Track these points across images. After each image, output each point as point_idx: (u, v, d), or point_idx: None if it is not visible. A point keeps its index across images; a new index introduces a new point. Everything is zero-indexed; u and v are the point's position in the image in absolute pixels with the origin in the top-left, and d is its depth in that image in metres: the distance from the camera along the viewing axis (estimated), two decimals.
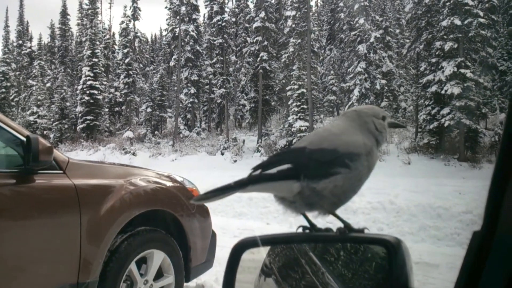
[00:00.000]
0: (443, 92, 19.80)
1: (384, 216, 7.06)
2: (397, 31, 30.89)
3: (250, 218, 7.80)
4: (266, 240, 0.95)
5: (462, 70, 19.48)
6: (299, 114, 24.49)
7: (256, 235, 1.03)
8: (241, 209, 8.27)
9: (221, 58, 32.09)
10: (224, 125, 31.83)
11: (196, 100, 32.38)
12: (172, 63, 33.75)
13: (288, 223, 7.36)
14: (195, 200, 0.85)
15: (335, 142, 0.80)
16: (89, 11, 39.68)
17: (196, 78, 31.92)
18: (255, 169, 0.81)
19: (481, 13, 20.18)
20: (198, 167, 22.54)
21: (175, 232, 3.20)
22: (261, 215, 7.88)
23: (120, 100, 34.92)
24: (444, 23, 20.43)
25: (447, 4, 20.58)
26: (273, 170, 0.78)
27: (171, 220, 3.18)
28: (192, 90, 31.69)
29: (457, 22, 20.00)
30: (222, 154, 26.32)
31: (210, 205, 8.84)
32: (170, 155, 27.71)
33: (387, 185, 11.65)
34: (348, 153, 0.79)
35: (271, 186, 0.80)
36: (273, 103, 30.97)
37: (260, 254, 0.97)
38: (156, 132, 33.92)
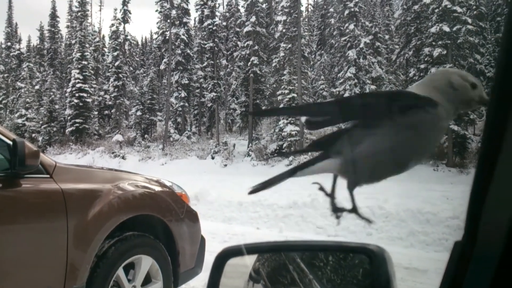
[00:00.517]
0: None
1: (373, 221, 7.08)
2: (387, 37, 31.16)
3: (239, 223, 7.77)
4: (250, 249, 0.94)
5: None
6: (289, 119, 24.55)
7: (246, 240, 1.03)
8: (230, 214, 8.24)
9: (212, 62, 32.08)
10: (214, 129, 31.78)
11: (186, 104, 32.30)
12: (162, 67, 33.68)
13: (278, 227, 7.36)
14: (249, 193, 0.82)
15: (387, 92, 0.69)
16: (79, 14, 39.51)
17: (187, 82, 31.86)
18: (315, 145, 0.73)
19: (469, 20, 20.46)
20: (188, 171, 22.45)
21: (163, 237, 3.17)
22: (251, 220, 7.86)
23: (110, 103, 34.70)
24: (433, 30, 20.67)
25: (436, 11, 20.84)
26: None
27: (160, 225, 3.16)
28: (183, 94, 31.61)
29: (446, 28, 20.25)
30: (213, 158, 26.28)
31: (200, 210, 8.80)
32: (160, 159, 27.58)
33: (377, 190, 11.68)
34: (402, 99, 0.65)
35: (317, 168, 0.74)
36: (263, 108, 31.00)
37: (244, 260, 0.96)
38: (146, 135, 33.73)
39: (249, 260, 1.03)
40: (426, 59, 21.10)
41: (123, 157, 28.36)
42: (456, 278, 0.59)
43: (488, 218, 0.53)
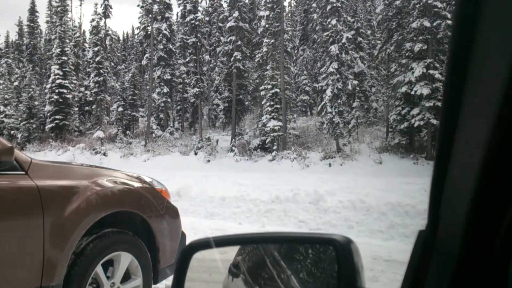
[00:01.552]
0: (412, 92, 20.24)
1: (354, 214, 7.16)
2: (369, 32, 31.40)
3: (222, 218, 7.77)
4: (218, 242, 0.94)
5: (431, 71, 19.97)
6: (272, 114, 24.58)
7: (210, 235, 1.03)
8: (213, 209, 8.23)
9: (195, 57, 31.89)
10: (197, 124, 31.64)
11: (169, 100, 32.07)
12: (144, 62, 33.35)
13: (261, 222, 7.39)
14: None
15: None
16: (59, 9, 38.81)
17: (169, 77, 31.62)
18: None
19: (449, 15, 20.73)
20: (171, 167, 22.33)
21: (143, 233, 3.15)
22: (234, 215, 7.87)
23: (91, 99, 34.26)
24: (414, 25, 20.89)
25: (417, 6, 21.05)
26: None
27: (139, 221, 3.13)
28: (165, 89, 31.38)
29: (427, 24, 20.48)
30: (196, 154, 26.17)
31: (182, 206, 8.78)
32: (142, 155, 27.35)
33: (359, 184, 11.84)
34: None
35: None
36: (247, 103, 30.98)
37: (212, 253, 0.96)
38: (127, 132, 33.39)
39: (218, 253, 1.02)
40: (407, 54, 21.33)
41: (104, 154, 28.03)
42: (420, 267, 0.60)
43: (447, 209, 0.54)
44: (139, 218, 3.11)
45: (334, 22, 24.64)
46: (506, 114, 0.40)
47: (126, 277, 3.03)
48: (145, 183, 3.36)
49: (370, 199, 7.84)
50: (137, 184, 3.26)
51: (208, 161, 25.19)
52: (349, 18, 27.02)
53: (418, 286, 0.59)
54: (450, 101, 0.45)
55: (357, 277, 0.72)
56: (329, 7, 24.99)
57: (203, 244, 0.96)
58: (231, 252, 1.26)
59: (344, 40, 24.41)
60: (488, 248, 0.49)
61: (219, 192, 9.19)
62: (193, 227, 6.28)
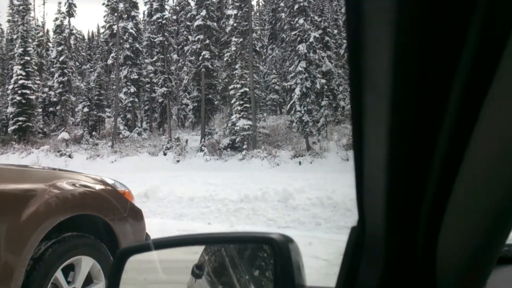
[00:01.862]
0: None
1: (322, 211, 7.25)
2: (335, 31, 31.83)
3: (191, 219, 7.71)
4: (157, 244, 0.93)
5: None
6: (242, 113, 24.58)
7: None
8: (181, 210, 8.16)
9: (162, 56, 31.51)
10: (166, 124, 31.28)
11: (136, 99, 31.58)
12: (110, 61, 32.74)
13: (230, 222, 7.38)
14: None
15: None
16: (21, 7, 37.51)
17: (136, 77, 31.12)
18: None
19: None
20: (139, 168, 22.01)
21: (105, 236, 3.09)
22: (202, 215, 7.82)
23: (55, 100, 33.32)
24: None
25: None
26: None
27: (102, 224, 3.07)
28: (132, 89, 30.87)
29: None
30: (165, 154, 25.89)
31: (150, 207, 8.64)
32: (109, 157, 26.85)
33: (327, 181, 11.98)
34: None
35: None
36: (216, 102, 30.86)
37: (149, 256, 0.95)
38: (93, 133, 32.66)
39: (156, 256, 1.01)
40: None
41: (69, 156, 27.34)
42: (353, 263, 0.61)
43: (368, 206, 0.55)
44: (101, 221, 3.05)
45: (301, 21, 24.85)
46: (394, 109, 0.41)
47: (88, 282, 2.96)
48: (107, 185, 3.30)
49: (337, 195, 7.95)
50: (98, 187, 3.19)
51: (178, 161, 24.96)
52: (316, 18, 27.30)
53: (351, 282, 0.60)
54: (354, 99, 0.45)
55: (294, 275, 0.72)
56: (296, 6, 25.18)
57: (139, 248, 0.94)
58: (174, 254, 1.25)
59: (311, 39, 24.65)
60: (411, 241, 0.51)
61: (188, 193, 9.12)
62: (161, 229, 6.21)
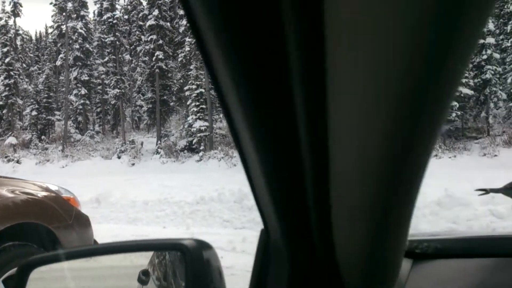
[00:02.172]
0: None
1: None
2: None
3: (145, 223, 7.56)
4: (56, 257, 0.89)
5: None
6: (198, 114, 24.40)
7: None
8: (135, 214, 7.98)
9: (114, 57, 30.73)
10: (120, 127, 30.54)
11: (87, 102, 30.66)
12: (59, 63, 31.67)
13: (185, 224, 7.29)
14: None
15: None
16: None
17: (87, 78, 30.23)
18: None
19: None
20: (92, 173, 21.38)
21: (50, 245, 2.96)
22: (157, 219, 7.68)
23: (1, 103, 31.78)
24: None
25: None
26: None
27: (45, 232, 2.94)
28: (83, 91, 29.95)
29: None
30: (119, 157, 25.30)
31: (101, 213, 8.39)
32: (60, 161, 25.96)
33: None
34: None
35: None
36: (171, 104, 30.45)
37: (54, 268, 0.91)
38: (43, 137, 31.38)
39: (60, 269, 0.97)
40: None
41: (18, 161, 26.18)
42: (263, 267, 0.60)
43: (264, 209, 0.54)
44: (44, 229, 2.92)
45: None
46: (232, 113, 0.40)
47: None
48: (51, 191, 3.17)
49: None
50: (41, 193, 3.07)
51: (133, 164, 24.45)
52: None
53: (262, 285, 0.59)
54: (221, 102, 0.43)
55: (210, 281, 0.69)
56: None
57: (44, 259, 0.90)
58: (124, 259, 1.21)
59: None
60: (309, 244, 0.50)
61: (142, 196, 8.93)
62: (114, 235, 6.05)
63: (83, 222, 3.25)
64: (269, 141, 0.42)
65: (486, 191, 0.86)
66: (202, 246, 0.73)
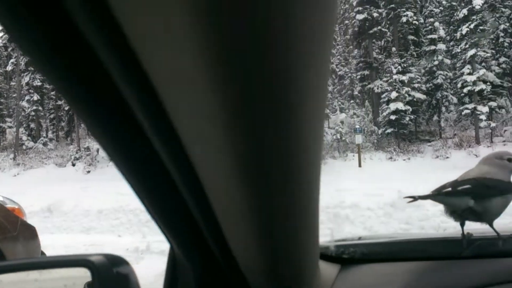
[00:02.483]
0: None
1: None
2: None
3: (99, 232, 7.35)
4: None
5: None
6: None
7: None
8: (89, 223, 7.74)
9: None
10: (74, 133, 29.63)
11: (40, 108, 29.57)
12: (10, 68, 30.42)
13: (141, 233, 7.12)
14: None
15: (497, 176, 1.01)
16: None
17: (40, 84, 29.17)
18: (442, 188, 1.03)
19: None
20: (45, 181, 20.61)
21: None
22: (112, 228, 7.49)
23: None
24: None
25: None
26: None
27: None
28: (36, 97, 28.87)
29: None
30: (74, 165, 24.54)
31: (53, 223, 8.08)
32: (12, 170, 24.91)
33: None
34: (507, 183, 1.02)
35: (451, 200, 1.00)
36: None
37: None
38: None
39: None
40: None
41: None
42: (172, 281, 0.60)
43: (159, 226, 0.54)
44: None
45: None
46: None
47: None
48: None
49: None
50: None
51: (88, 171, 23.76)
52: None
53: None
54: None
55: None
56: None
57: None
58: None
59: None
60: (208, 253, 0.50)
61: (97, 205, 8.68)
62: (66, 245, 5.86)
63: (30, 233, 3.13)
64: (132, 164, 0.42)
65: (415, 198, 0.95)
66: (114, 262, 0.69)
